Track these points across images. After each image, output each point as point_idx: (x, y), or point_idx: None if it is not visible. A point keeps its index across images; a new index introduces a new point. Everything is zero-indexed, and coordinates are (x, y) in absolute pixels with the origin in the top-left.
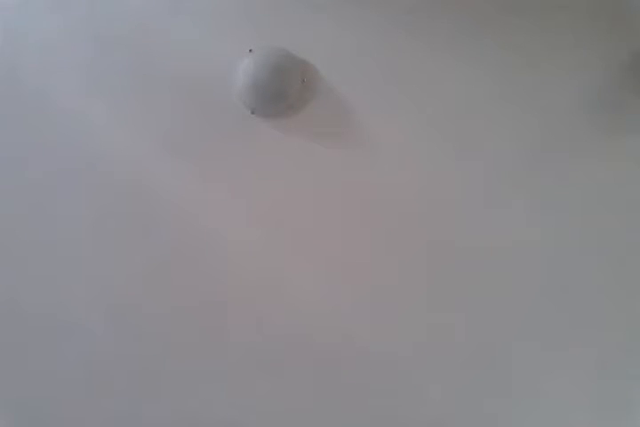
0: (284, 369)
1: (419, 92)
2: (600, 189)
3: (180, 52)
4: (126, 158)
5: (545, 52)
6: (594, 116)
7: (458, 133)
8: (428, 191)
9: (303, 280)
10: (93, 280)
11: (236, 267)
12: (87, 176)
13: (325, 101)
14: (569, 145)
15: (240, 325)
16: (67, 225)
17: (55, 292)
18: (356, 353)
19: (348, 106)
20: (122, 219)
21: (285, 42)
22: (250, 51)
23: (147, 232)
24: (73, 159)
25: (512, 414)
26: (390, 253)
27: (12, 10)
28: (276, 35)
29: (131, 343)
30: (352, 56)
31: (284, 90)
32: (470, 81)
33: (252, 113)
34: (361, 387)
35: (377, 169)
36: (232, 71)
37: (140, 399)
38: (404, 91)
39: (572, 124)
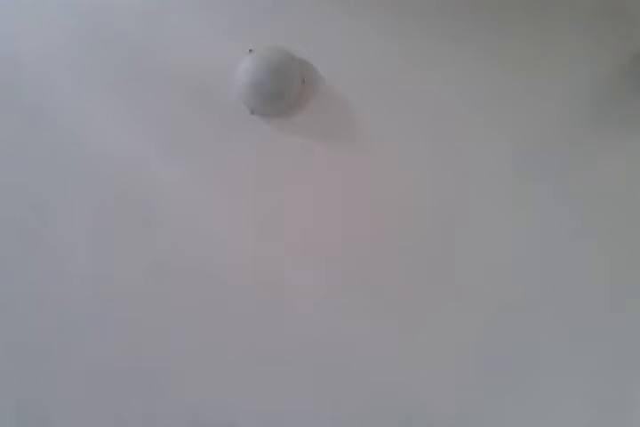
0: (283, 369)
1: (418, 92)
2: (600, 188)
3: (180, 52)
4: (126, 158)
5: (545, 51)
6: (594, 115)
7: (457, 133)
8: (428, 191)
9: (303, 279)
10: (93, 280)
11: (236, 266)
12: (87, 176)
13: (325, 101)
14: (569, 144)
15: (240, 324)
16: (67, 225)
17: (55, 292)
18: (356, 353)
19: (348, 106)
20: (122, 218)
21: (285, 42)
22: (250, 51)
23: (147, 231)
24: (73, 159)
25: (512, 415)
26: (390, 252)
27: (12, 9)
28: (275, 35)
29: (130, 344)
30: (352, 56)
31: (284, 90)
32: (470, 81)
33: (252, 113)
34: (361, 386)
35: (377, 169)
36: (232, 71)
37: (139, 399)
38: (403, 91)
39: (573, 124)
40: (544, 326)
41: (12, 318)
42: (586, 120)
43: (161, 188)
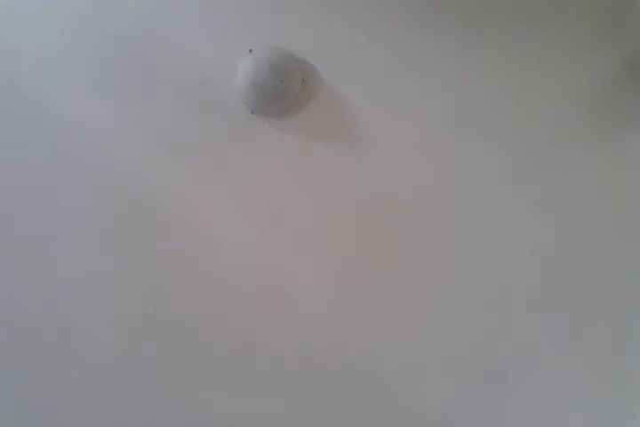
0: (283, 369)
1: (419, 92)
2: (601, 188)
3: (180, 53)
4: (126, 158)
5: (546, 51)
6: (595, 115)
7: (458, 133)
8: (429, 190)
9: (303, 280)
10: (93, 282)
11: (236, 266)
12: (87, 177)
13: (325, 101)
14: (571, 144)
15: (240, 324)
16: (67, 226)
17: (55, 293)
18: (356, 352)
19: (348, 106)
20: (123, 219)
21: (285, 42)
22: (250, 51)
23: (148, 232)
24: (73, 160)
25: (512, 415)
26: (390, 252)
27: (11, 10)
28: (275, 35)
29: (131, 348)
30: (352, 56)
31: (284, 90)
32: (471, 81)
33: (252, 113)
34: (360, 386)
35: (377, 169)
36: (232, 71)
37: (139, 399)
38: (404, 91)
39: (574, 124)
40: (544, 326)
41: (10, 319)
42: (586, 120)
43: (161, 187)
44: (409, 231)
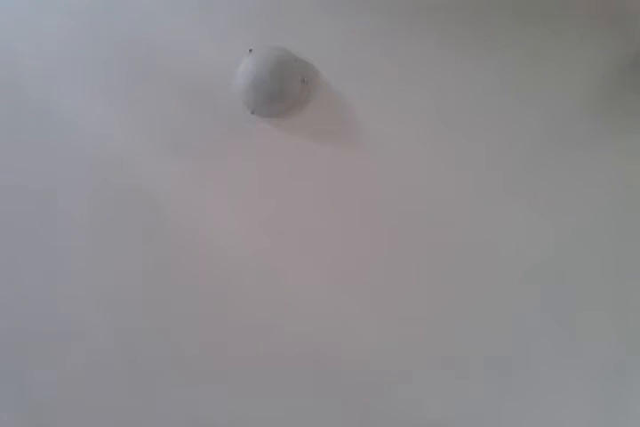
0: (283, 369)
1: (419, 92)
2: (602, 188)
3: (180, 53)
4: (126, 158)
5: (547, 52)
6: (595, 115)
7: (459, 133)
8: (429, 190)
9: (304, 280)
10: (93, 280)
11: (236, 266)
12: (87, 176)
13: (325, 101)
14: (570, 144)
15: (240, 324)
16: (66, 226)
17: (54, 293)
18: (357, 353)
19: (348, 106)
20: (122, 219)
21: (285, 42)
22: (250, 51)
23: (147, 232)
24: (73, 159)
25: (512, 415)
26: (391, 252)
27: (10, 10)
28: (276, 35)
29: (130, 344)
30: (352, 56)
31: (284, 90)
32: (471, 81)
33: (252, 113)
34: (362, 389)
35: (377, 168)
36: (232, 71)
37: (139, 399)
38: (403, 90)
39: (574, 124)
40: (544, 325)
41: (11, 319)
42: (586, 120)
43: (161, 187)
44: (409, 231)
